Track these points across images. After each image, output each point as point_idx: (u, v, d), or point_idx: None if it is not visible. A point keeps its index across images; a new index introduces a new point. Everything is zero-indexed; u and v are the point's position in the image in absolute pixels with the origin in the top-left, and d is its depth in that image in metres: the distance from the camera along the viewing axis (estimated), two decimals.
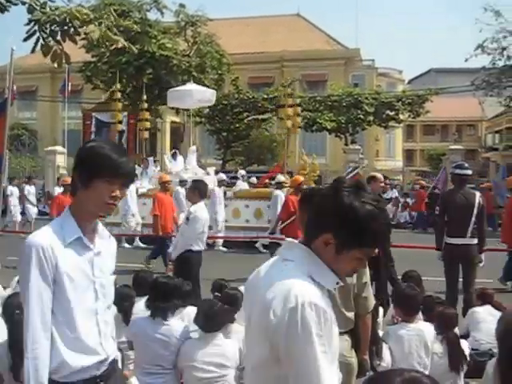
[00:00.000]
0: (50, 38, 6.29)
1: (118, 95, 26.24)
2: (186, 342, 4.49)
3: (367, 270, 3.59)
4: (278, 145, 39.20)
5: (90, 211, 2.54)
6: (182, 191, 14.42)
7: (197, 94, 18.22)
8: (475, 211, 7.54)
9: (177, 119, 45.90)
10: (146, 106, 26.19)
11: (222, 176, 15.95)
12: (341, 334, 3.39)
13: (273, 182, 16.55)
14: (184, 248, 7.34)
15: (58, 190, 19.42)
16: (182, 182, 14.91)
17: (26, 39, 6.18)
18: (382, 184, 8.75)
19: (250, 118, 38.62)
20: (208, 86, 33.31)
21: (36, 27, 6.14)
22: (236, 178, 19.05)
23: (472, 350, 5.48)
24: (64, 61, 6.40)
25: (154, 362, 4.46)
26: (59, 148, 32.50)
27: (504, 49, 32.77)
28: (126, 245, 15.33)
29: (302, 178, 11.92)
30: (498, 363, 1.07)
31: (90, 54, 30.98)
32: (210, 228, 13.93)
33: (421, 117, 41.02)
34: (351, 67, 49.54)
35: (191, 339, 4.52)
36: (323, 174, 33.70)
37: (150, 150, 41.09)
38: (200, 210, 7.49)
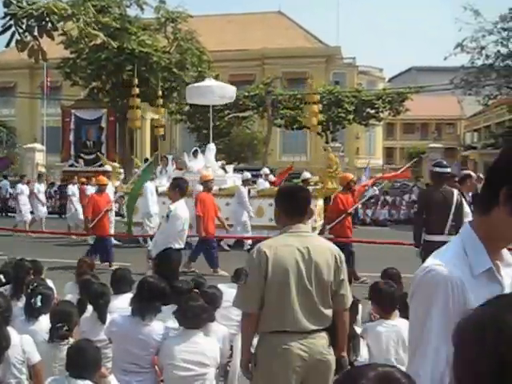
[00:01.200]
0: (27, 33, 6.19)
1: (137, 90, 25.85)
2: (166, 341, 4.47)
3: (344, 267, 3.60)
4: (258, 142, 39.26)
5: (508, 238, 1.89)
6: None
7: (218, 91, 17.66)
8: (453, 209, 7.60)
9: (157, 116, 45.76)
10: (161, 101, 25.78)
11: (247, 175, 15.32)
12: (318, 331, 3.44)
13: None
14: (164, 246, 7.29)
15: (39, 187, 19.11)
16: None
17: (0, 33, 6.07)
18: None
19: (230, 116, 38.59)
20: (188, 83, 33.29)
21: (12, 22, 6.04)
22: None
23: None
24: (41, 57, 6.31)
25: (133, 361, 4.43)
26: (38, 145, 32.23)
27: (483, 48, 33.08)
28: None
29: (351, 176, 11.68)
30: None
31: (68, 51, 30.65)
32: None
33: (401, 115, 41.35)
34: (332, 65, 49.67)
35: (172, 337, 4.51)
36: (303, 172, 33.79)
37: (130, 147, 40.95)
38: (180, 207, 7.45)
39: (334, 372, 3.58)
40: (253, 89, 38.60)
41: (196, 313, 4.45)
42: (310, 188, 13.98)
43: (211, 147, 17.40)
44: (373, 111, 38.98)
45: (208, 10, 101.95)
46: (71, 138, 32.46)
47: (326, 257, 3.50)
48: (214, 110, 38.39)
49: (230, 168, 17.98)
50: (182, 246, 7.55)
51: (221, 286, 6.29)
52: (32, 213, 18.56)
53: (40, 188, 19.24)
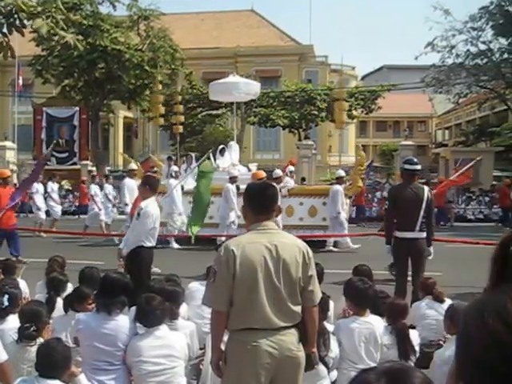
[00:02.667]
0: None
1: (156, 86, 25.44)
2: (132, 339, 4.46)
3: (313, 263, 3.61)
4: (231, 140, 39.16)
5: None
6: (232, 188, 13.91)
7: (243, 87, 17.20)
8: (424, 205, 7.64)
9: (130, 114, 45.54)
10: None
11: (279, 172, 15.06)
12: (287, 327, 3.45)
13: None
14: (135, 244, 7.20)
15: (53, 186, 18.55)
16: (232, 179, 14.21)
17: None
18: None
19: (203, 114, 38.54)
20: (161, 81, 33.14)
21: None
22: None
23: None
24: (9, 54, 6.25)
25: (102, 359, 4.41)
26: (9, 143, 31.74)
27: (453, 47, 33.47)
28: (175, 245, 14.71)
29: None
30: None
31: (40, 48, 30.31)
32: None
33: (373, 113, 41.64)
34: (304, 63, 49.81)
35: (137, 336, 4.50)
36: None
37: (103, 145, 40.65)
38: (151, 205, 7.38)
39: (304, 368, 3.59)
40: None
41: (155, 312, 4.46)
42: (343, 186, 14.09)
43: (234, 144, 17.19)
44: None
45: (181, 8, 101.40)
46: (43, 136, 32.15)
47: (294, 253, 3.50)
48: (187, 107, 38.48)
49: (253, 166, 17.69)
50: (154, 244, 7.45)
51: (193, 284, 6.31)
52: (47, 213, 18.19)
53: (54, 187, 18.77)
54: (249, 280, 3.40)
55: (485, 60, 33.32)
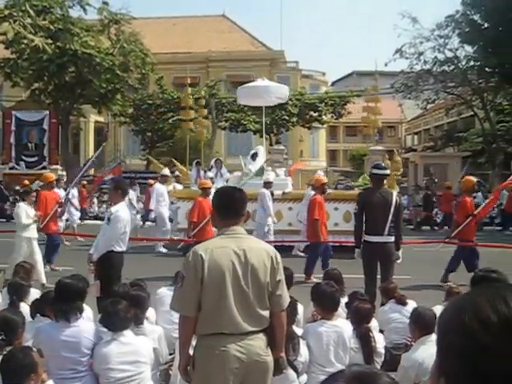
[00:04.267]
0: None
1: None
2: (97, 346, 4.42)
3: (281, 268, 3.62)
4: (203, 145, 39.10)
5: None
6: (267, 193, 13.70)
7: (275, 91, 16.93)
8: (392, 210, 7.71)
9: (101, 119, 45.15)
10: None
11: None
12: (256, 332, 3.45)
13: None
14: (106, 249, 7.17)
15: (73, 192, 17.51)
16: (267, 184, 13.98)
17: None
18: None
19: (174, 118, 38.40)
20: (132, 86, 32.97)
21: None
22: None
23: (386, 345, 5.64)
24: None
25: (68, 367, 4.36)
26: None
27: (421, 54, 34.02)
28: (163, 250, 14.72)
29: (474, 180, 11.62)
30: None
31: (9, 51, 29.89)
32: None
33: (343, 118, 41.95)
34: (275, 69, 49.96)
35: (102, 341, 4.46)
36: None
37: (74, 149, 40.27)
38: (122, 209, 7.34)
39: (272, 373, 3.59)
40: (197, 91, 38.52)
41: (121, 315, 4.44)
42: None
43: (261, 149, 16.90)
44: (316, 114, 39.47)
45: (153, 13, 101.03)
46: (12, 139, 31.70)
47: (263, 258, 3.50)
48: (158, 112, 38.35)
49: (281, 171, 17.42)
50: (124, 249, 7.41)
51: (162, 289, 6.30)
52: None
53: (74, 193, 17.99)
54: (217, 285, 3.40)
55: (452, 67, 33.92)
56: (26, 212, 10.25)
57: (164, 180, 15.33)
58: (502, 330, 0.96)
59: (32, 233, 10.33)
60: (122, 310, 4.47)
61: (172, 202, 15.84)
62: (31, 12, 23.56)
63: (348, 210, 14.80)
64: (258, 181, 14.33)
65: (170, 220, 15.75)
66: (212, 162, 17.70)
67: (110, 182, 17.36)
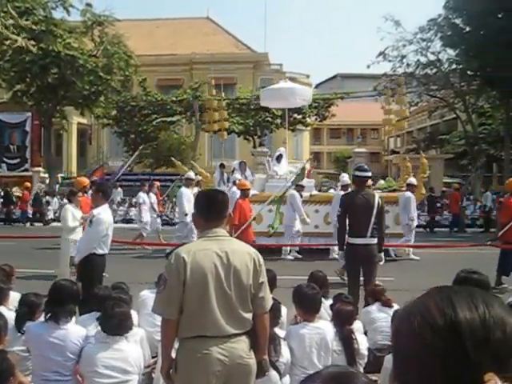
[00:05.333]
0: None
1: None
2: (87, 348, 4.39)
3: (264, 270, 3.61)
4: (186, 147, 39.12)
5: None
6: (298, 195, 13.61)
7: (299, 93, 16.77)
8: (375, 212, 7.71)
9: (84, 121, 44.90)
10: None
11: (304, 181, 14.71)
12: (238, 335, 3.44)
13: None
14: (88, 251, 7.12)
15: (153, 196, 17.16)
16: (298, 186, 13.87)
17: None
18: None
19: (158, 121, 38.34)
20: (115, 88, 32.84)
21: None
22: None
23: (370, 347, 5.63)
24: None
25: (52, 369, 4.34)
26: None
27: (404, 57, 34.30)
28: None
29: None
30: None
31: None
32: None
33: (327, 120, 42.10)
34: (259, 71, 50.01)
35: (93, 344, 4.43)
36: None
37: (56, 151, 39.98)
38: (104, 212, 7.30)
39: (255, 375, 3.58)
40: (181, 93, 38.48)
41: (122, 319, 4.40)
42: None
43: (283, 150, 16.72)
44: (300, 116, 39.55)
45: (137, 15, 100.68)
46: None
47: (245, 260, 3.49)
48: (142, 114, 38.23)
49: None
50: (106, 252, 7.38)
51: (144, 292, 6.24)
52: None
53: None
54: (199, 287, 3.38)
55: (434, 70, 34.22)
56: (72, 214, 9.80)
57: (188, 183, 14.99)
58: (448, 332, 0.98)
59: (79, 236, 9.43)
60: (122, 315, 4.43)
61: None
62: (13, 13, 23.40)
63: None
64: (281, 183, 14.08)
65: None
66: (235, 165, 17.40)
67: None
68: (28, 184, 25.84)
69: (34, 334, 4.44)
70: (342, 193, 12.85)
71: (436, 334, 0.98)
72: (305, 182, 14.52)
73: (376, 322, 6.11)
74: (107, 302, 4.61)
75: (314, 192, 15.39)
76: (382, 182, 17.17)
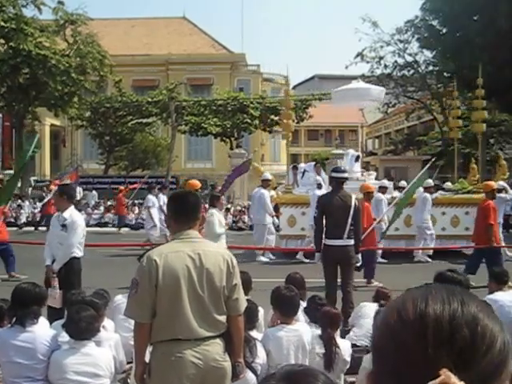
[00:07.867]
0: None
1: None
2: (55, 354, 4.31)
3: (237, 272, 3.58)
4: (162, 149, 38.82)
5: None
6: (383, 198, 13.08)
7: (375, 93, 16.81)
8: (351, 213, 7.66)
9: (57, 122, 44.28)
10: None
11: (386, 183, 14.47)
12: (213, 337, 3.40)
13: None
14: (68, 257, 6.93)
15: (164, 199, 15.94)
16: (382, 188, 13.50)
17: None
18: None
19: (133, 122, 37.97)
20: (88, 89, 32.29)
21: None
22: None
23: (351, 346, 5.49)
24: None
25: (23, 374, 4.25)
26: None
27: (381, 58, 34.45)
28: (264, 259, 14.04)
29: None
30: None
31: None
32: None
33: (304, 122, 42.04)
34: (236, 72, 49.94)
35: (61, 350, 4.36)
36: (209, 179, 33.63)
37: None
38: (75, 214, 7.15)
39: (231, 378, 3.56)
40: (156, 94, 38.11)
41: (88, 322, 4.34)
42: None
43: (352, 153, 16.55)
44: (277, 118, 39.42)
45: (111, 14, 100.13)
46: None
47: (218, 262, 3.47)
48: (117, 116, 37.81)
49: (370, 175, 17.16)
50: (82, 254, 7.17)
51: (118, 297, 6.18)
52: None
53: (165, 199, 15.90)
54: (172, 290, 3.35)
55: (411, 71, 34.42)
56: (219, 220, 9.20)
57: (266, 185, 14.69)
58: (417, 326, 0.96)
59: (223, 243, 8.90)
60: (88, 318, 4.36)
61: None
62: None
63: (455, 214, 14.52)
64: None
65: (277, 229, 14.99)
66: (306, 167, 17.17)
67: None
68: None
69: (1, 340, 4.35)
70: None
71: (405, 327, 0.97)
72: (388, 183, 14.69)
73: (364, 318, 6.05)
74: (71, 308, 4.56)
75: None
76: (448, 183, 16.64)
